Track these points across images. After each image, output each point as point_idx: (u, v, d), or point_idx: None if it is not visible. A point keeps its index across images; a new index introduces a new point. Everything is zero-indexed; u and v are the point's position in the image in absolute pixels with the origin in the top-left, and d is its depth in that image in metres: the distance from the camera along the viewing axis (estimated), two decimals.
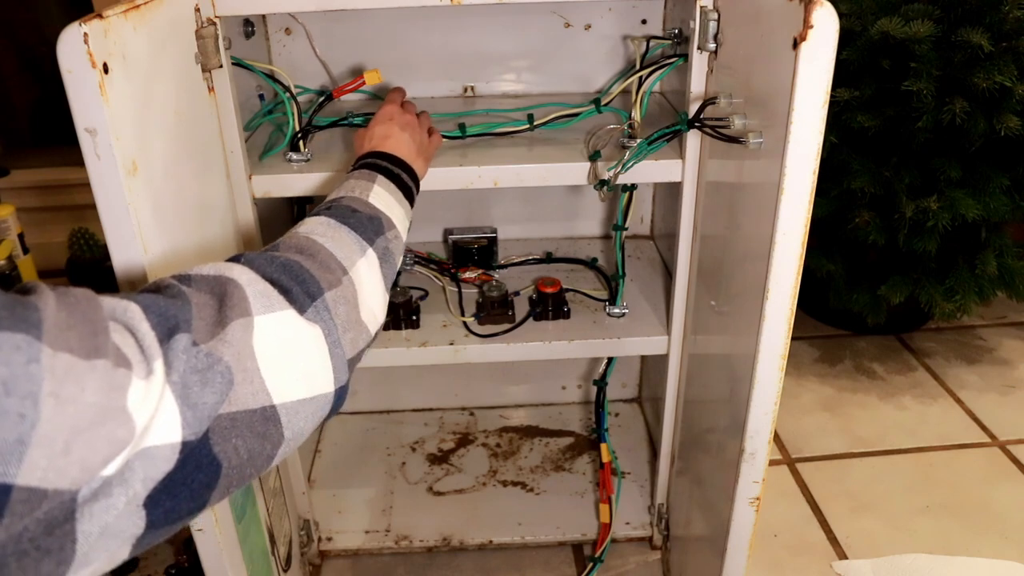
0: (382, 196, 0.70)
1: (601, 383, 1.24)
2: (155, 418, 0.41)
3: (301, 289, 0.53)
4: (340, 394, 0.55)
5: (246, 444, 0.47)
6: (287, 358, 0.50)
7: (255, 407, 0.47)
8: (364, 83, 0.97)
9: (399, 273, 1.16)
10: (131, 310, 0.43)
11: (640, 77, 0.94)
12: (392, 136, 0.80)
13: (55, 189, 1.97)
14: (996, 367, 1.61)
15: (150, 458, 0.40)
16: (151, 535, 0.42)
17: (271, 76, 0.93)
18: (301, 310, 0.52)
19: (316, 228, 0.61)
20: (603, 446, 1.20)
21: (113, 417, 0.38)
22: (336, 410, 0.55)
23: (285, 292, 0.52)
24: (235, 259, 0.53)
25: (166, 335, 0.43)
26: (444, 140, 0.97)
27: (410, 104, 0.91)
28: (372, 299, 0.60)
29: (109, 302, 0.43)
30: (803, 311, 1.75)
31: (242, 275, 0.51)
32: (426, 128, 0.88)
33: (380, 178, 0.72)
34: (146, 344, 0.42)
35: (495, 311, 1.05)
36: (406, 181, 0.75)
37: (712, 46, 0.80)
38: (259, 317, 0.49)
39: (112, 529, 0.39)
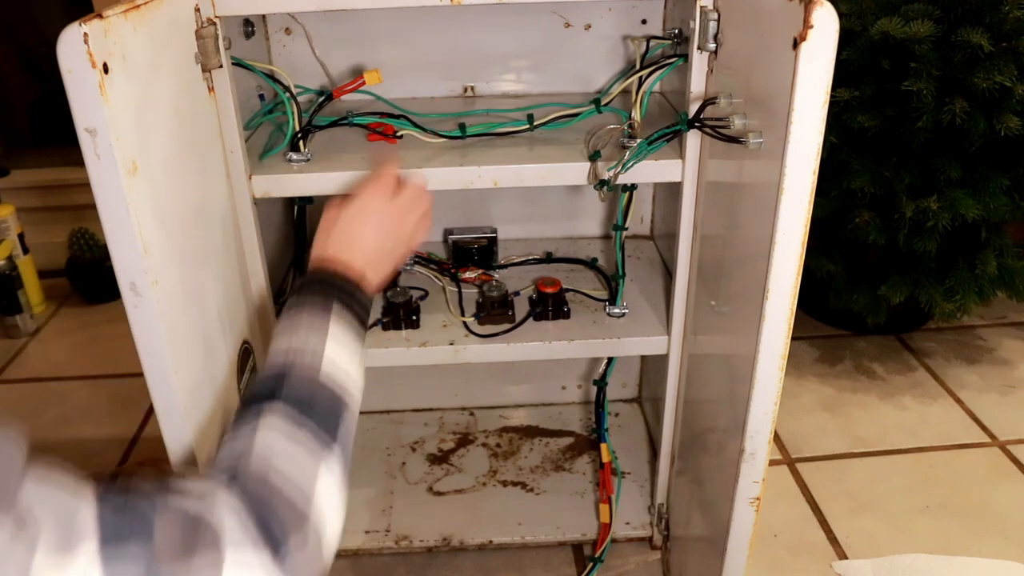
0: (338, 351, 0.62)
1: (601, 383, 1.24)
2: None
3: (279, 532, 0.49)
4: None
5: None
6: None
7: None
8: (364, 83, 0.97)
9: (398, 273, 1.16)
10: (85, 505, 0.40)
11: (640, 77, 0.94)
12: (359, 238, 0.70)
13: (55, 189, 1.97)
14: (996, 367, 1.61)
15: None
16: None
17: (271, 76, 0.93)
18: (275, 551, 0.48)
19: (274, 445, 0.54)
20: (603, 446, 1.20)
21: None
22: None
23: (266, 532, 0.48)
24: (223, 480, 0.49)
25: (115, 545, 0.40)
26: (444, 140, 0.97)
27: (410, 181, 0.76)
28: (335, 525, 0.55)
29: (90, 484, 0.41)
30: (803, 311, 1.75)
31: (223, 505, 0.47)
32: (415, 215, 0.75)
33: (333, 319, 0.63)
34: (79, 525, 0.39)
35: (495, 311, 1.05)
36: (359, 310, 0.67)
37: (712, 46, 0.80)
38: (230, 553, 0.45)
39: None
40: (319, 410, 0.57)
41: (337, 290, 0.66)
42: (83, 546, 0.38)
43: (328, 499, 0.54)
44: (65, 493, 0.40)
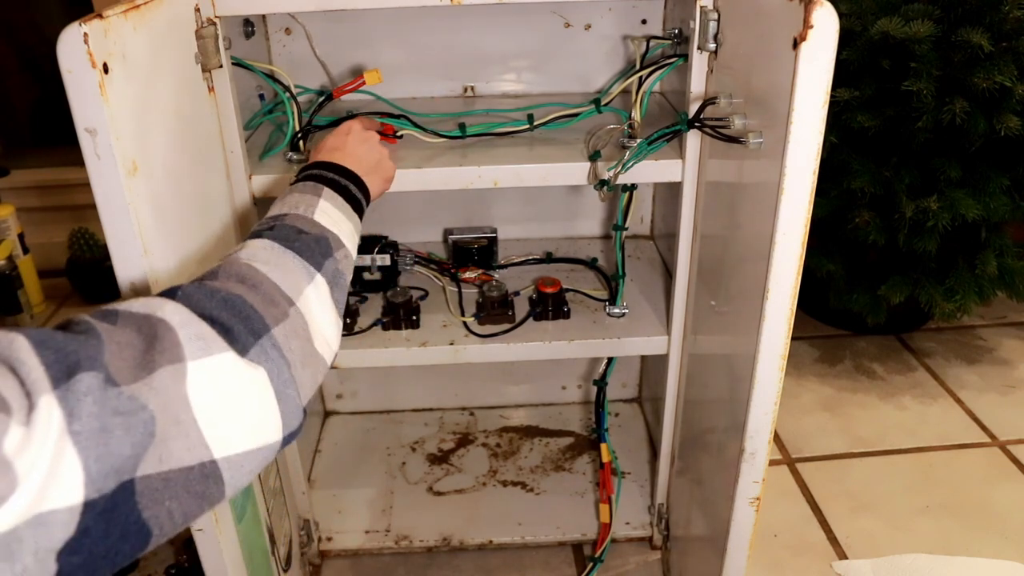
0: (328, 212, 0.64)
1: (601, 383, 1.24)
2: (50, 474, 0.35)
3: (244, 327, 0.48)
4: (288, 440, 0.50)
5: (182, 507, 0.41)
6: (228, 407, 0.45)
7: (192, 463, 0.42)
8: (364, 83, 0.97)
9: (398, 273, 1.16)
10: (16, 344, 0.37)
11: (640, 77, 0.94)
12: (343, 148, 0.75)
13: (55, 189, 1.97)
14: (996, 367, 1.61)
15: (42, 525, 0.35)
16: None
17: (271, 76, 0.93)
18: (243, 351, 0.47)
19: (258, 254, 0.55)
20: (603, 446, 1.20)
21: None
22: (278, 454, 0.51)
23: (225, 332, 0.47)
24: (171, 292, 0.48)
25: (64, 374, 0.37)
26: (444, 140, 0.97)
27: (376, 124, 0.89)
28: (325, 327, 0.56)
29: None
30: (803, 311, 1.75)
31: (175, 314, 0.45)
32: (385, 150, 0.82)
33: (326, 191, 0.66)
34: (31, 381, 0.36)
35: (495, 311, 1.05)
36: (354, 193, 0.70)
37: (712, 46, 0.80)
38: (193, 363, 0.43)
39: None
40: (304, 243, 0.58)
41: (328, 177, 0.69)
42: (41, 405, 0.35)
43: (316, 307, 0.55)
44: (11, 356, 0.37)
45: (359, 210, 0.70)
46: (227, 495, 0.45)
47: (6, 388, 0.35)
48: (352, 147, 0.76)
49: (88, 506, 0.36)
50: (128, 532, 0.39)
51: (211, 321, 0.47)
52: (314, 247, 0.59)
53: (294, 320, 0.52)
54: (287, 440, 0.50)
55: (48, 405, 0.36)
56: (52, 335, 0.39)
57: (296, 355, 0.50)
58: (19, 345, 0.37)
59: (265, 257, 0.55)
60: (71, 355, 0.38)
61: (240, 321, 0.48)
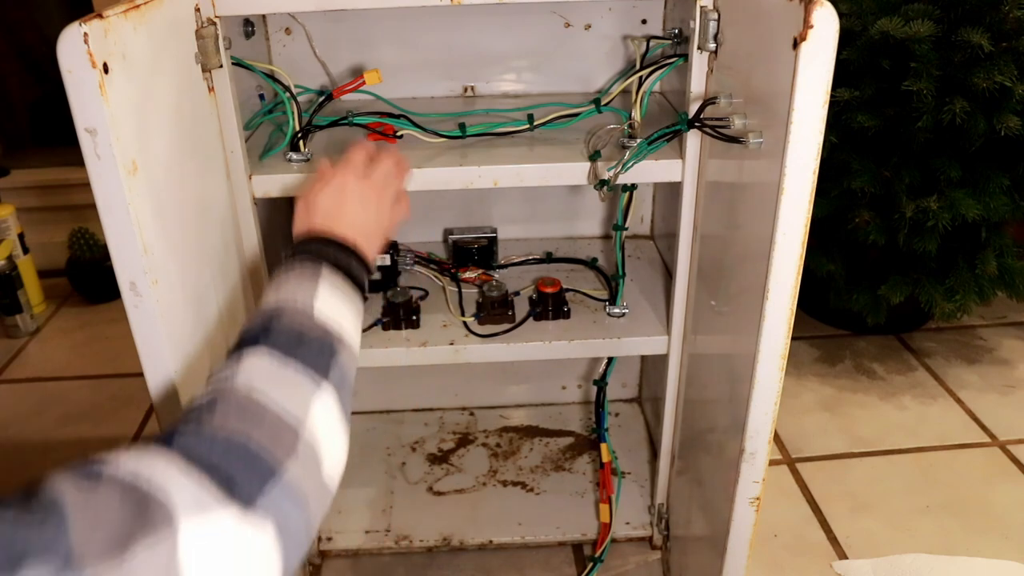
0: (329, 301, 0.59)
1: (601, 383, 1.24)
2: None
3: (248, 475, 0.44)
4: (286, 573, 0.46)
5: None
6: (224, 571, 0.41)
7: None
8: (364, 83, 0.97)
9: (399, 273, 1.16)
10: None
11: (640, 77, 0.94)
12: (343, 213, 0.67)
13: (55, 189, 1.97)
14: (996, 367, 1.61)
15: None
16: None
17: (271, 76, 0.93)
18: (248, 502, 0.43)
19: (257, 375, 0.51)
20: (603, 446, 1.20)
21: None
22: None
23: (227, 482, 0.42)
24: (168, 440, 0.44)
25: (7, 568, 0.33)
26: (444, 140, 0.97)
27: (382, 157, 0.76)
28: (334, 446, 0.51)
29: None
30: (803, 311, 1.75)
31: (167, 475, 0.41)
32: (392, 195, 0.74)
33: (324, 272, 0.61)
34: None
35: (495, 311, 1.05)
36: (356, 273, 0.64)
37: (712, 46, 0.80)
38: (186, 523, 0.39)
39: None
40: (307, 350, 0.54)
41: (327, 254, 0.63)
42: None
43: (325, 425, 0.51)
44: None
45: (361, 288, 0.65)
46: None
47: None
48: (351, 210, 0.68)
49: None
50: None
51: (211, 471, 0.43)
52: (317, 353, 0.54)
53: (303, 453, 0.48)
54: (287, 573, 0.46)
55: None
56: (1, 518, 0.35)
57: (307, 493, 0.47)
58: None
59: (265, 378, 0.51)
60: (17, 543, 0.34)
61: (244, 468, 0.44)
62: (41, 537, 0.35)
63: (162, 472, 0.41)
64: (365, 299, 0.66)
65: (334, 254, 0.64)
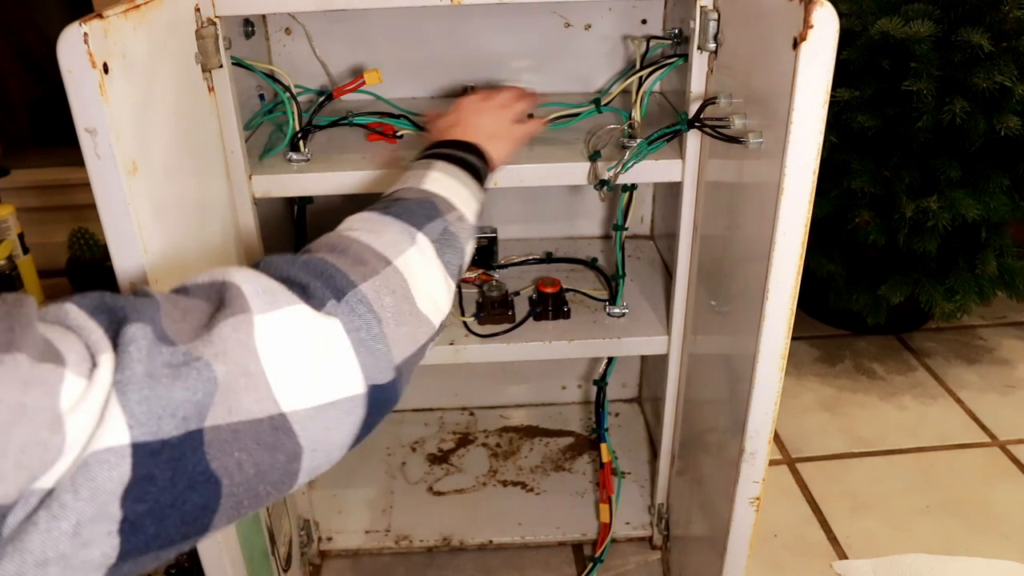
0: (439, 180, 0.63)
1: (601, 383, 1.24)
2: (97, 423, 0.35)
3: (323, 284, 0.47)
4: (378, 394, 0.47)
5: (252, 458, 0.40)
6: (299, 359, 0.43)
7: (261, 416, 0.41)
8: (364, 83, 0.97)
9: None
10: (69, 310, 0.38)
11: (640, 77, 0.94)
12: (459, 124, 0.74)
13: (55, 189, 1.97)
14: (996, 367, 1.61)
15: (91, 467, 0.34)
16: (130, 565, 0.37)
17: (271, 76, 0.93)
18: (319, 306, 0.45)
19: (352, 225, 0.55)
20: (603, 446, 1.20)
21: (34, 418, 0.33)
22: (379, 413, 0.48)
23: (301, 288, 0.46)
24: (256, 264, 0.49)
25: (116, 331, 0.38)
26: None
27: (506, 92, 0.84)
28: (431, 287, 0.54)
29: (45, 307, 0.38)
30: (803, 311, 1.75)
31: (244, 276, 0.45)
32: (513, 113, 0.81)
33: (438, 163, 0.65)
34: (92, 340, 0.37)
35: (495, 311, 1.05)
36: (471, 161, 0.68)
37: (712, 46, 0.80)
38: (260, 316, 0.43)
39: (63, 558, 0.34)
40: (404, 207, 0.56)
41: (440, 153, 0.67)
42: (103, 361, 0.36)
43: (418, 265, 0.53)
44: (69, 319, 0.38)
45: (478, 176, 0.68)
46: (305, 448, 0.43)
47: (65, 344, 0.35)
48: (467, 118, 0.75)
49: (139, 448, 0.36)
50: (196, 482, 0.38)
51: (287, 282, 0.46)
52: (416, 210, 0.57)
53: (388, 277, 0.50)
54: (375, 397, 0.47)
55: (106, 362, 0.36)
56: (103, 297, 0.39)
57: (390, 312, 0.49)
58: (70, 311, 0.38)
59: (358, 226, 0.54)
60: (120, 311, 0.39)
61: (319, 279, 0.47)
62: (137, 308, 0.39)
63: (240, 276, 0.45)
64: (484, 184, 0.69)
65: (448, 151, 0.68)
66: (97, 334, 0.37)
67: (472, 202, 0.64)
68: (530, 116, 0.84)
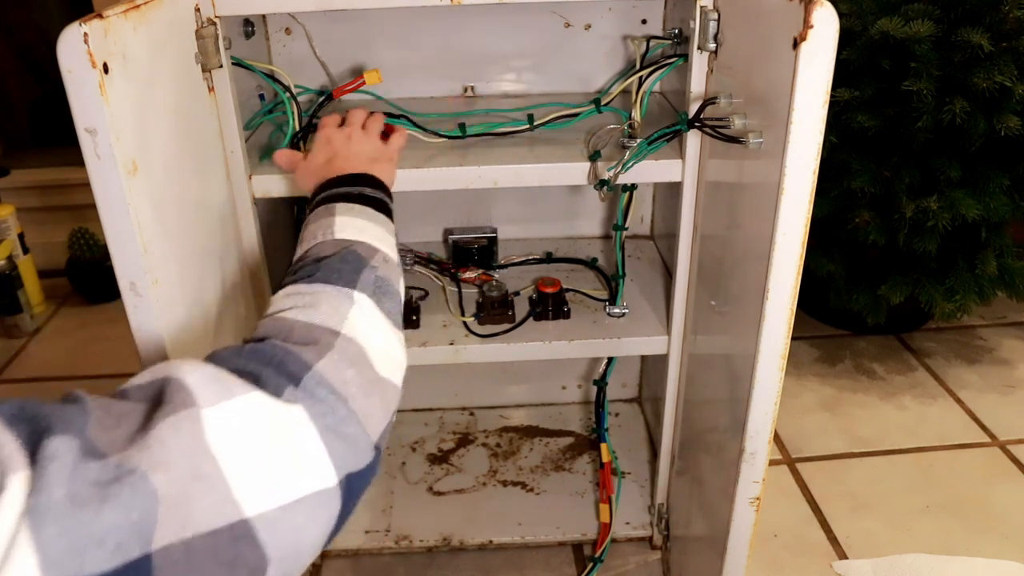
0: (348, 224, 0.58)
1: (601, 383, 1.24)
2: (4, 564, 0.29)
3: (276, 371, 0.42)
4: (354, 482, 0.42)
5: None
6: (260, 453, 0.38)
7: (220, 525, 0.35)
8: (364, 83, 0.98)
9: None
10: None
11: (640, 77, 0.94)
12: (335, 156, 0.70)
13: (55, 189, 1.97)
14: (996, 367, 1.61)
15: None
16: None
17: (271, 76, 0.93)
18: (276, 392, 0.41)
19: (283, 305, 0.50)
20: (603, 446, 1.20)
21: None
22: (356, 499, 0.43)
23: (253, 378, 0.41)
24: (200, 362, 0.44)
25: (34, 445, 0.32)
26: (445, 140, 0.97)
27: (356, 113, 0.81)
28: (384, 345, 0.50)
29: None
30: (803, 311, 1.75)
31: (188, 368, 0.40)
32: (376, 132, 0.78)
33: (339, 206, 0.61)
34: (3, 456, 0.31)
35: (495, 311, 1.05)
36: (370, 194, 0.64)
37: (712, 46, 0.80)
38: (210, 408, 0.38)
39: None
40: (330, 264, 0.53)
41: (334, 193, 0.63)
42: (10, 479, 0.31)
43: (366, 326, 0.49)
44: None
45: (382, 207, 0.63)
46: (272, 558, 0.38)
47: None
48: (341, 148, 0.71)
49: None
50: None
51: (240, 373, 0.41)
52: (340, 266, 0.53)
53: (343, 348, 0.46)
54: (353, 483, 0.42)
55: (18, 484, 0.31)
56: (25, 405, 0.34)
57: (354, 386, 0.44)
58: None
59: (290, 303, 0.49)
60: (42, 420, 0.34)
61: (271, 366, 0.42)
62: (63, 417, 0.34)
63: (184, 369, 0.40)
64: (390, 214, 0.64)
65: (342, 190, 0.64)
66: (10, 448, 0.31)
67: (388, 236, 0.60)
68: (384, 136, 0.80)
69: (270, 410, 0.40)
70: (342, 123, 0.79)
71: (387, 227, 0.61)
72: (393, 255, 0.58)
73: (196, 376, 0.39)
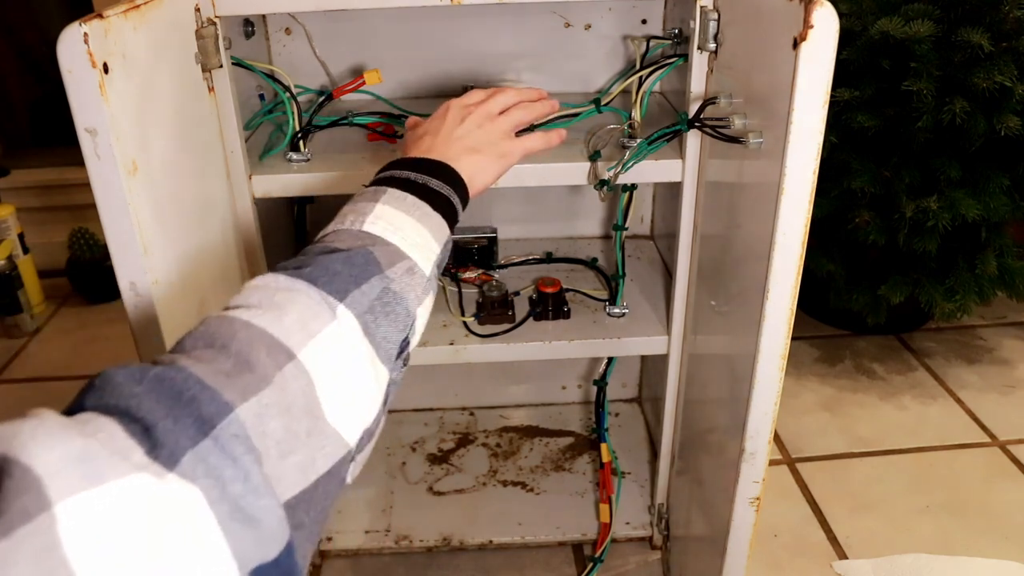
0: (386, 217, 0.49)
1: (601, 383, 1.24)
2: None
3: (179, 420, 0.32)
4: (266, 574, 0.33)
5: None
6: (138, 562, 0.28)
7: None
8: (364, 83, 0.98)
9: None
10: None
11: (640, 77, 0.94)
12: (432, 134, 0.60)
13: (55, 189, 1.97)
14: (996, 367, 1.61)
15: None
16: None
17: (271, 76, 0.93)
18: (168, 463, 0.31)
19: (249, 297, 0.41)
20: (603, 446, 1.20)
21: None
22: None
23: (143, 431, 0.31)
24: (87, 386, 0.36)
25: None
26: None
27: (505, 93, 0.68)
28: (349, 386, 0.40)
29: None
30: (803, 311, 1.75)
31: (38, 445, 0.29)
32: (510, 123, 0.66)
33: (389, 192, 0.52)
34: None
35: (495, 311, 1.05)
36: (434, 187, 0.55)
37: (712, 46, 0.80)
38: (67, 503, 0.27)
39: None
40: (334, 261, 0.43)
41: (398, 176, 0.53)
42: None
43: (338, 354, 0.40)
44: None
45: (441, 205, 0.55)
46: None
47: None
48: (444, 127, 0.61)
49: None
50: None
51: (124, 418, 0.32)
52: (342, 269, 0.43)
53: (283, 386, 0.36)
54: None
55: None
56: None
57: (273, 440, 0.35)
58: None
59: (257, 298, 0.40)
60: None
61: (175, 411, 0.32)
62: None
63: (36, 446, 0.29)
64: (453, 218, 0.56)
65: (408, 174, 0.54)
66: None
67: (431, 242, 0.51)
68: (531, 128, 0.69)
69: (153, 498, 0.29)
70: (485, 100, 0.67)
71: (436, 230, 0.53)
72: (425, 267, 0.49)
73: (52, 456, 0.28)
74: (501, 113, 0.67)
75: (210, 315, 0.40)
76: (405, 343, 0.47)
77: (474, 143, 0.62)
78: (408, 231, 0.50)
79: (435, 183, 0.56)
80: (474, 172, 0.61)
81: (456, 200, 0.58)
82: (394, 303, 0.45)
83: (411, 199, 0.52)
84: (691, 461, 1.01)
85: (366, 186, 0.55)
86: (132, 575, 0.28)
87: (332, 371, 0.39)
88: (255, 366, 0.36)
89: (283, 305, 0.40)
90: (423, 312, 0.49)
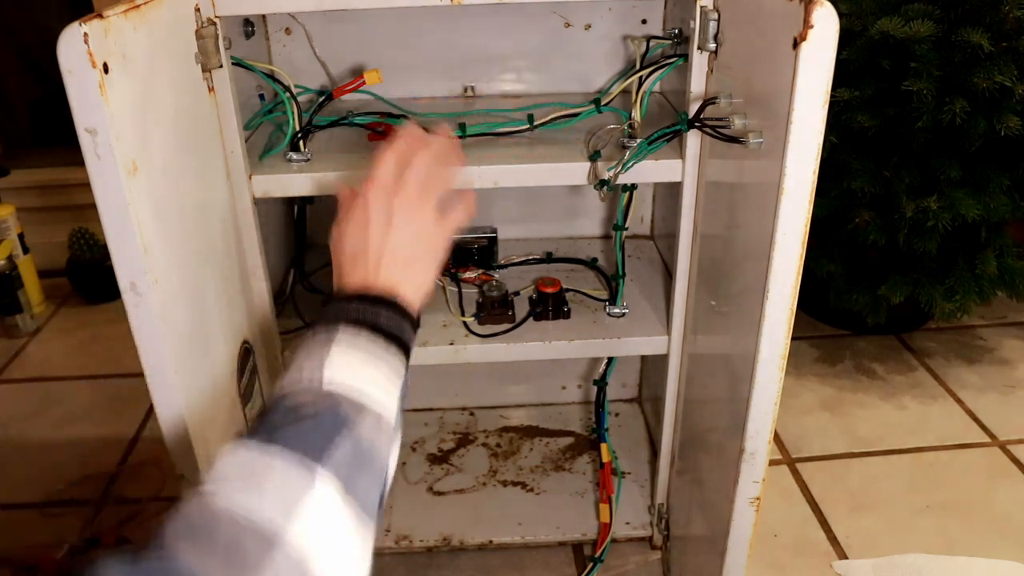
0: (343, 363, 0.48)
1: (601, 383, 1.24)
2: None
3: None
4: None
5: None
6: None
7: None
8: (364, 83, 0.98)
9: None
10: None
11: (640, 77, 0.94)
12: (369, 250, 0.56)
13: (55, 189, 1.97)
14: (996, 367, 1.61)
15: None
16: None
17: (271, 76, 0.93)
18: None
19: (225, 473, 0.40)
20: (603, 446, 1.20)
21: None
22: None
23: None
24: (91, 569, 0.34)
25: None
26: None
27: (418, 148, 0.61)
28: (337, 553, 0.40)
29: None
30: (803, 311, 1.75)
31: None
32: (434, 197, 0.60)
33: (339, 334, 0.50)
34: None
35: (495, 311, 1.05)
36: (384, 325, 0.53)
37: (712, 46, 0.80)
38: None
39: None
40: (296, 431, 0.43)
41: (346, 312, 0.52)
42: None
43: (322, 523, 0.40)
44: None
45: (398, 342, 0.53)
46: None
47: None
48: (378, 242, 0.56)
49: None
50: None
51: None
52: (311, 430, 0.43)
53: (277, 571, 0.36)
54: None
55: None
56: None
57: None
58: None
59: (233, 475, 0.40)
60: None
61: None
62: None
63: None
64: (407, 353, 0.54)
65: (355, 310, 0.52)
66: None
67: (390, 384, 0.50)
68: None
69: None
70: (404, 177, 0.60)
71: (394, 369, 0.51)
72: (389, 412, 0.48)
73: None
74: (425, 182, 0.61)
75: (188, 501, 0.39)
76: (383, 493, 0.46)
77: (411, 252, 0.57)
78: (369, 375, 0.49)
79: (384, 318, 0.53)
80: (418, 287, 0.57)
81: (409, 329, 0.55)
82: (367, 458, 0.44)
83: (364, 338, 0.51)
84: (691, 461, 1.01)
85: (320, 317, 0.53)
86: None
87: (322, 543, 0.39)
88: (245, 558, 0.36)
89: (260, 479, 0.39)
90: (393, 459, 0.48)
